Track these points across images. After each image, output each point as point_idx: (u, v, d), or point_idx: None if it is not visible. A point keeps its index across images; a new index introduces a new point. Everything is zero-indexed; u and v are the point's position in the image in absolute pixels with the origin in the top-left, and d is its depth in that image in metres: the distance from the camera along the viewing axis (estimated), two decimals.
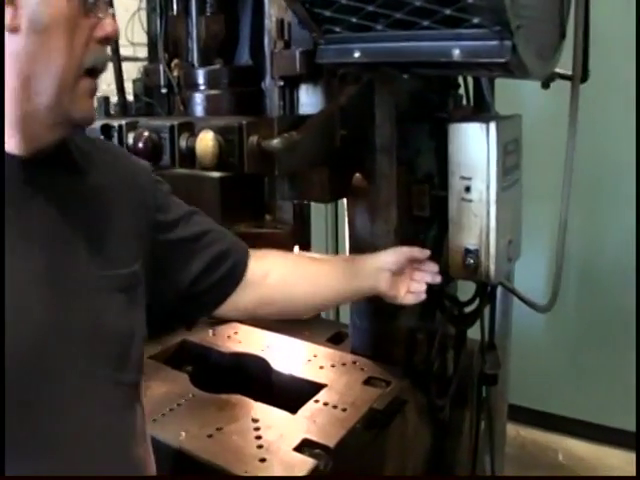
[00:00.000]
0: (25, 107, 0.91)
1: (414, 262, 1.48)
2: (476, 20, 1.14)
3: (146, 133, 1.50)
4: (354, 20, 1.23)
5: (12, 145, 0.92)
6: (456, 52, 1.17)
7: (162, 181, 1.25)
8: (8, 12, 0.87)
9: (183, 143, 1.47)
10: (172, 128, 1.47)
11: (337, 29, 1.27)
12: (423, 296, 1.47)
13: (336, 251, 3.02)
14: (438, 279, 1.50)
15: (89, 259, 1.01)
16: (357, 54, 1.27)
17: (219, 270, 1.26)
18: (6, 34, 0.87)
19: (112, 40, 0.94)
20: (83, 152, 1.06)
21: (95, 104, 1.00)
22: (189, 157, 1.47)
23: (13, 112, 0.91)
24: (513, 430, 2.92)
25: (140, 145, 1.50)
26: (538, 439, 3.08)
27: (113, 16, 0.96)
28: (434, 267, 1.50)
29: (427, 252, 1.50)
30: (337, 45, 1.30)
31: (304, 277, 1.40)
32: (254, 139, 1.36)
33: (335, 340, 1.85)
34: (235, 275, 1.29)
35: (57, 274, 0.96)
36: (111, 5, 0.99)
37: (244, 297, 1.30)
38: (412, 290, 1.46)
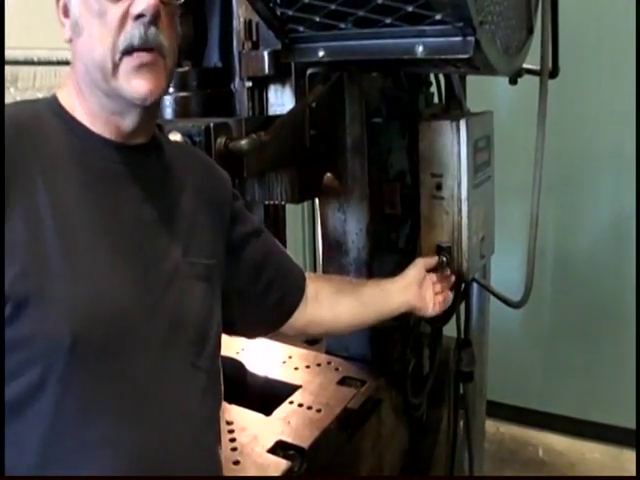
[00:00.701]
0: (94, 98, 0.99)
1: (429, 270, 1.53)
2: (439, 16, 1.14)
3: None
4: (317, 19, 1.23)
5: (99, 129, 1.01)
6: (419, 49, 1.17)
7: (239, 195, 1.30)
8: (66, 25, 0.99)
9: None
10: None
11: (301, 28, 1.27)
12: (449, 302, 1.56)
13: (313, 253, 3.01)
14: (452, 279, 1.57)
15: (174, 244, 1.06)
16: (321, 53, 1.27)
17: (282, 290, 1.31)
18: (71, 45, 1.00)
19: (149, 15, 0.94)
20: (172, 151, 1.15)
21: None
22: None
23: (90, 104, 1.00)
24: (492, 426, 2.94)
25: None
26: (517, 435, 3.09)
27: None
28: (447, 271, 1.57)
29: (439, 258, 1.56)
30: (301, 44, 1.30)
31: (349, 295, 1.43)
32: (222, 140, 1.35)
33: (310, 341, 1.84)
34: (297, 295, 1.34)
35: (146, 255, 1.01)
36: None
37: (300, 315, 1.34)
38: (440, 301, 1.52)
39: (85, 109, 1.01)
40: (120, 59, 0.94)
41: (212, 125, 1.35)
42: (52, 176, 0.94)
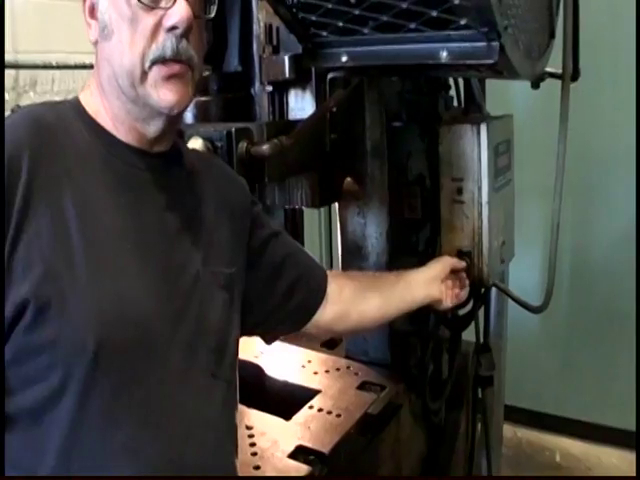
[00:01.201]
0: (119, 104, 1.00)
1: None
2: (463, 21, 1.14)
3: None
4: (340, 24, 1.22)
5: (122, 135, 1.01)
6: (444, 54, 1.17)
7: (257, 201, 1.31)
8: (92, 25, 0.99)
9: None
10: None
11: (324, 33, 1.27)
12: (463, 297, 1.58)
13: (330, 257, 3.01)
14: (467, 281, 1.58)
15: (195, 253, 1.06)
16: (344, 58, 1.27)
17: (303, 290, 1.30)
18: (95, 46, 1.01)
19: (182, 28, 0.95)
20: (192, 159, 1.16)
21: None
22: None
23: (113, 109, 1.00)
24: (509, 431, 2.92)
25: None
26: (534, 439, 3.07)
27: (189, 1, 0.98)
28: (464, 276, 1.57)
29: (464, 263, 1.57)
30: (324, 49, 1.30)
31: (373, 291, 1.43)
32: (243, 145, 1.35)
33: (329, 345, 1.84)
34: (318, 295, 1.34)
35: (170, 262, 1.01)
36: None
37: (323, 314, 1.34)
38: (454, 295, 1.53)
39: (109, 113, 1.01)
40: (150, 67, 0.95)
41: (234, 130, 1.35)
42: (77, 178, 0.94)
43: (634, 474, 2.70)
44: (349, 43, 1.26)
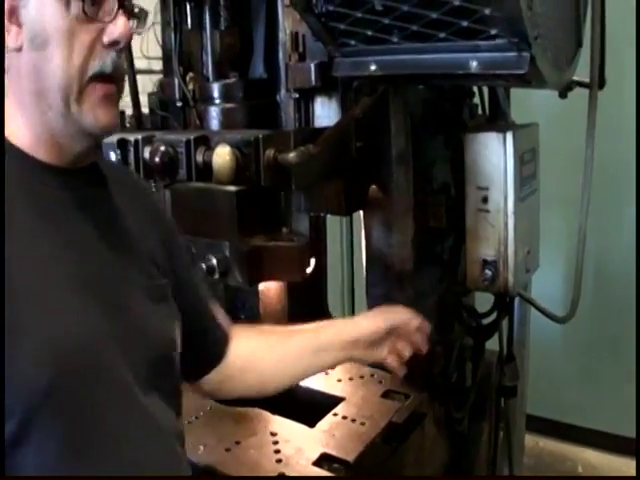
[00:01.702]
0: (44, 120, 0.93)
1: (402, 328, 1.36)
2: (493, 31, 1.14)
3: (162, 148, 1.50)
4: (369, 33, 1.23)
5: (41, 155, 0.95)
6: (474, 64, 1.17)
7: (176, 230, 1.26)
8: (12, 31, 0.90)
9: (199, 157, 1.47)
10: (188, 142, 1.47)
11: (352, 42, 1.27)
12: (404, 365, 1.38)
13: (351, 262, 3.01)
14: (424, 349, 1.38)
15: (131, 269, 1.04)
16: (373, 67, 1.27)
17: (209, 339, 1.25)
18: (12, 54, 0.91)
19: (123, 43, 0.93)
20: (109, 172, 1.09)
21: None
22: (205, 171, 1.47)
23: (35, 125, 0.94)
24: (531, 440, 2.90)
25: (156, 160, 1.50)
26: (556, 449, 3.04)
27: (129, 17, 0.96)
28: (423, 337, 1.38)
29: (417, 322, 1.37)
30: (353, 58, 1.30)
31: (272, 352, 1.32)
32: (270, 153, 1.36)
33: None
34: (223, 346, 1.27)
35: (109, 284, 0.98)
36: (128, 8, 0.96)
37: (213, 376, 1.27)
38: (400, 356, 1.36)
39: (28, 132, 0.95)
40: (87, 84, 0.92)
41: (261, 137, 1.36)
42: (7, 207, 0.89)
43: None
44: (377, 52, 1.26)
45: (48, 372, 0.85)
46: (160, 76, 2.95)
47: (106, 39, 0.93)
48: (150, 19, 2.95)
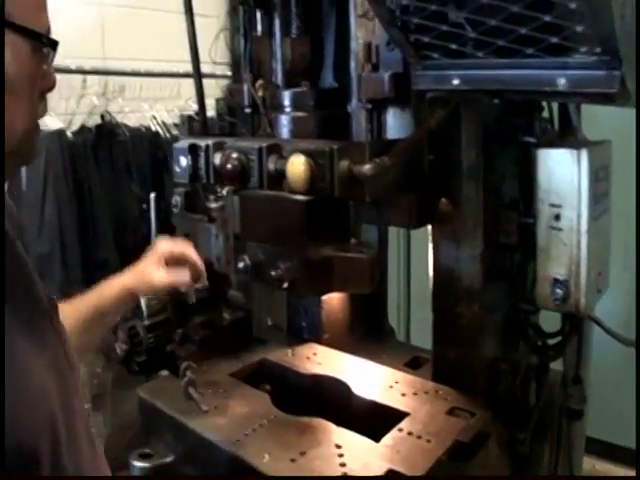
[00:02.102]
0: None
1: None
2: (583, 48, 1.11)
3: (234, 155, 1.51)
4: (454, 47, 1.21)
5: None
6: (562, 81, 1.14)
7: None
8: None
9: (271, 165, 1.47)
10: (260, 150, 1.48)
11: (435, 55, 1.26)
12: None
13: (407, 273, 2.99)
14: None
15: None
16: (456, 81, 1.25)
17: None
18: None
19: (51, 91, 0.96)
20: None
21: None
22: (276, 179, 1.47)
23: None
24: (588, 463, 2.83)
25: (229, 167, 1.51)
26: (613, 473, 2.97)
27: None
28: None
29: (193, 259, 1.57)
30: (434, 71, 1.29)
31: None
32: (345, 164, 1.35)
33: (413, 365, 1.83)
34: None
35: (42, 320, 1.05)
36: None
37: None
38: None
39: None
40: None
41: (336, 148, 1.36)
42: None
43: None
44: (461, 66, 1.25)
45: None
46: (223, 80, 2.99)
47: (47, 85, 0.96)
48: (218, 25, 3.03)
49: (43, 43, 0.92)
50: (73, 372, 1.11)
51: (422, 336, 2.13)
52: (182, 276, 1.55)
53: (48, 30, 0.95)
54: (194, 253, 1.59)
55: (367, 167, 1.33)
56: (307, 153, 1.37)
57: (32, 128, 0.94)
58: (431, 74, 1.29)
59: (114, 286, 1.51)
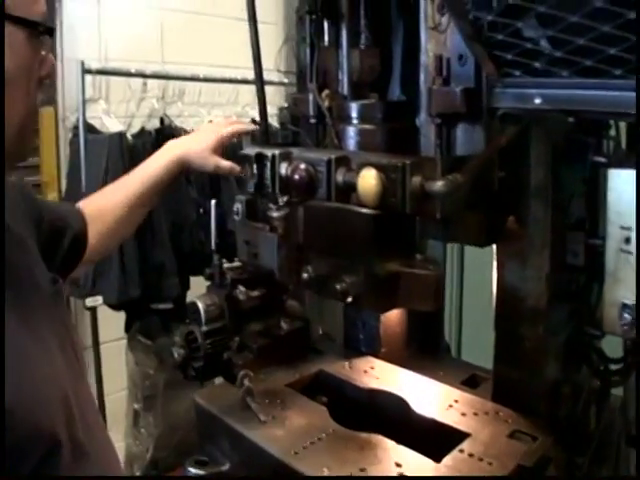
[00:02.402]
0: None
1: None
2: None
3: (302, 166, 1.51)
4: (537, 65, 1.19)
5: None
6: None
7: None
8: None
9: (340, 178, 1.47)
10: (329, 162, 1.47)
11: (517, 73, 1.24)
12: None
13: (460, 290, 2.96)
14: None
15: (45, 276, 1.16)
16: (538, 100, 1.23)
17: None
18: None
19: (51, 76, 0.97)
20: None
21: None
22: (345, 192, 1.47)
23: None
24: None
25: (296, 177, 1.51)
26: None
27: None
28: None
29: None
30: (515, 89, 1.27)
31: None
32: (417, 180, 1.34)
33: (470, 384, 1.80)
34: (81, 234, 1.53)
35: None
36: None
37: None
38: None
39: None
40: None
41: (408, 163, 1.34)
42: None
43: None
44: (542, 85, 1.22)
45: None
46: (280, 88, 2.99)
47: (44, 72, 0.96)
48: (276, 31, 3.03)
49: (39, 31, 0.92)
50: (76, 353, 1.17)
51: (472, 352, 2.11)
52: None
53: (44, 15, 0.94)
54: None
55: (440, 184, 1.31)
56: (379, 167, 1.36)
57: (28, 118, 0.95)
58: (511, 92, 1.27)
59: (160, 158, 1.70)
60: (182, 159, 1.72)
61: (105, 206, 1.65)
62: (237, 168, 1.70)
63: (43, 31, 0.92)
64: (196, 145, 1.73)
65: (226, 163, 1.75)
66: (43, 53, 0.94)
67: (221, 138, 1.76)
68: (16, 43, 0.88)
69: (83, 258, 1.54)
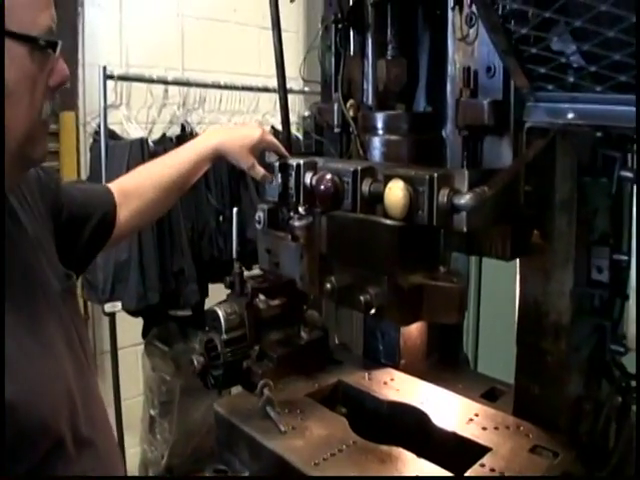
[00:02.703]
0: None
1: None
2: None
3: (328, 176, 1.51)
4: (571, 79, 1.18)
5: None
6: None
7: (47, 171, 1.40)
8: None
9: (365, 188, 1.46)
10: (355, 173, 1.47)
11: (550, 87, 1.23)
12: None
13: (478, 301, 2.95)
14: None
15: (53, 278, 1.20)
16: (571, 115, 1.22)
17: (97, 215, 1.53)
18: None
19: (64, 85, 0.97)
20: None
21: None
22: (371, 203, 1.46)
23: None
24: None
25: (322, 187, 1.51)
26: None
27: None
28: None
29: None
30: (547, 103, 1.26)
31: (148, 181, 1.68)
32: (445, 192, 1.33)
33: (490, 397, 1.79)
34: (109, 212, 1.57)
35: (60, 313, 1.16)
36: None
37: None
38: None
39: None
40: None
41: (436, 176, 1.34)
42: None
43: None
44: (574, 99, 1.22)
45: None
46: (300, 96, 2.99)
47: (53, 83, 0.97)
48: (297, 39, 3.03)
49: (41, 46, 0.93)
50: (84, 346, 1.22)
51: (489, 365, 2.10)
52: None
53: (48, 29, 0.94)
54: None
55: (468, 197, 1.31)
56: (406, 179, 1.36)
57: (35, 129, 0.96)
58: (544, 106, 1.26)
59: (198, 144, 1.74)
60: (218, 149, 1.72)
61: (143, 183, 1.69)
62: (269, 176, 1.70)
63: (45, 45, 0.93)
64: (238, 140, 1.73)
65: (260, 168, 1.75)
66: (51, 65, 0.95)
67: (262, 142, 1.76)
68: (17, 57, 0.90)
69: (112, 236, 1.59)
